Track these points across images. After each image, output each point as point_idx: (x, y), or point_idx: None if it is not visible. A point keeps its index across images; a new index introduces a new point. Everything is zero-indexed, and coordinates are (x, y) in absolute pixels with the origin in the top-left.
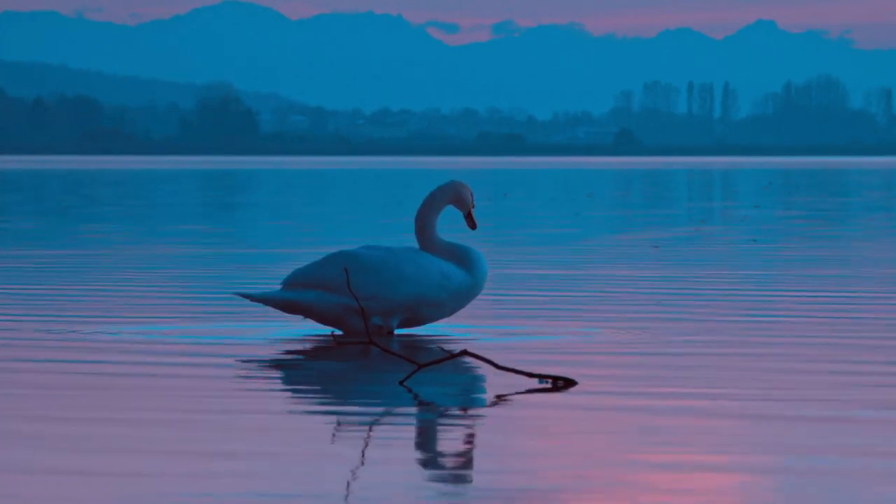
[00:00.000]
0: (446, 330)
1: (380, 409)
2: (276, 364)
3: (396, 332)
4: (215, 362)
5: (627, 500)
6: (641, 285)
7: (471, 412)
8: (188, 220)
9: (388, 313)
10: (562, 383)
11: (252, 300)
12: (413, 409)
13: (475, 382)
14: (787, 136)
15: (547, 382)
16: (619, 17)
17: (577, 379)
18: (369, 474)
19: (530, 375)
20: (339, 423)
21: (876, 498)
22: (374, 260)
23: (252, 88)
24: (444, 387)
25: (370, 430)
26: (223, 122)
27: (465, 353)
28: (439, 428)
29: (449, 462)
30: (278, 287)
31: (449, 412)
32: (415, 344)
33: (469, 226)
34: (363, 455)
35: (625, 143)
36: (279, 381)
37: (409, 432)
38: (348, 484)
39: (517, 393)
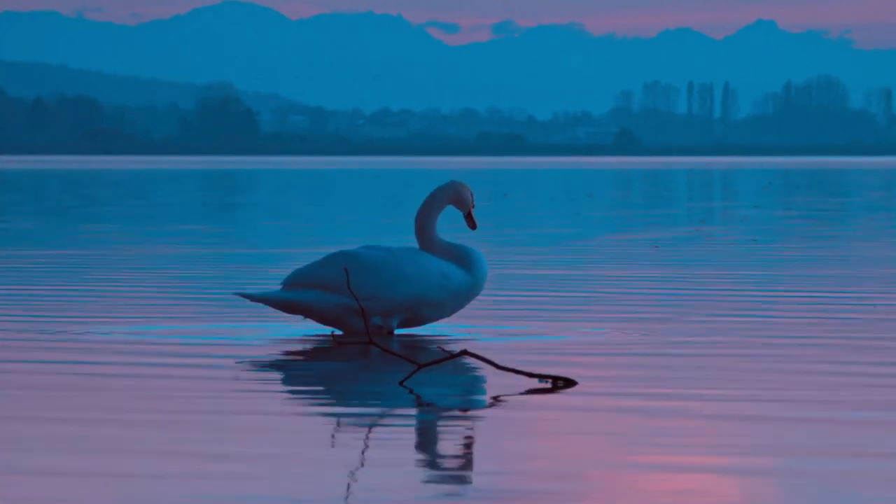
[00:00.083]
0: (446, 330)
1: (380, 409)
2: (275, 364)
3: (396, 332)
4: (215, 362)
5: (627, 500)
6: (641, 285)
7: (471, 412)
8: (188, 220)
9: (388, 313)
10: (562, 383)
11: (252, 300)
12: (413, 409)
13: (475, 382)
14: (787, 136)
15: (547, 382)
16: (619, 17)
17: (577, 379)
18: (369, 475)
19: (530, 375)
20: (338, 424)
21: (876, 500)
22: (374, 260)
23: (252, 88)
24: (444, 387)
25: (370, 430)
26: (223, 122)
27: (465, 353)
28: (439, 428)
29: (449, 462)
30: (278, 287)
31: (449, 412)
32: (415, 344)
33: (469, 226)
34: (363, 455)
35: (625, 143)
36: (279, 381)
37: (409, 432)
38: (348, 484)
39: (517, 393)
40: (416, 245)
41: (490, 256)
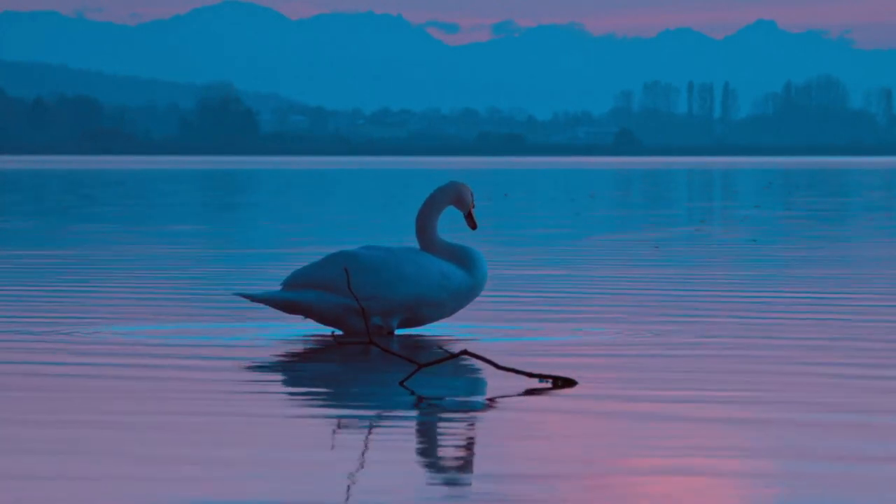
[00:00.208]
0: (447, 330)
1: (380, 410)
2: (275, 364)
3: (397, 332)
4: (215, 363)
5: (627, 500)
6: (641, 285)
7: (471, 412)
8: (188, 220)
9: (388, 313)
10: (562, 383)
11: (252, 300)
12: (413, 410)
13: (475, 382)
14: (787, 136)
15: (547, 382)
16: (619, 17)
17: (577, 379)
18: (369, 475)
19: (530, 375)
20: (339, 424)
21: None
22: (374, 260)
23: (252, 88)
24: (444, 387)
25: (370, 430)
26: (223, 122)
27: (465, 353)
28: (439, 428)
29: (449, 462)
30: (278, 287)
31: (449, 412)
32: (415, 344)
33: (469, 226)
34: (363, 456)
35: (625, 143)
36: (279, 381)
37: (410, 432)
38: (348, 485)
39: (517, 393)
40: (416, 245)
41: (490, 256)
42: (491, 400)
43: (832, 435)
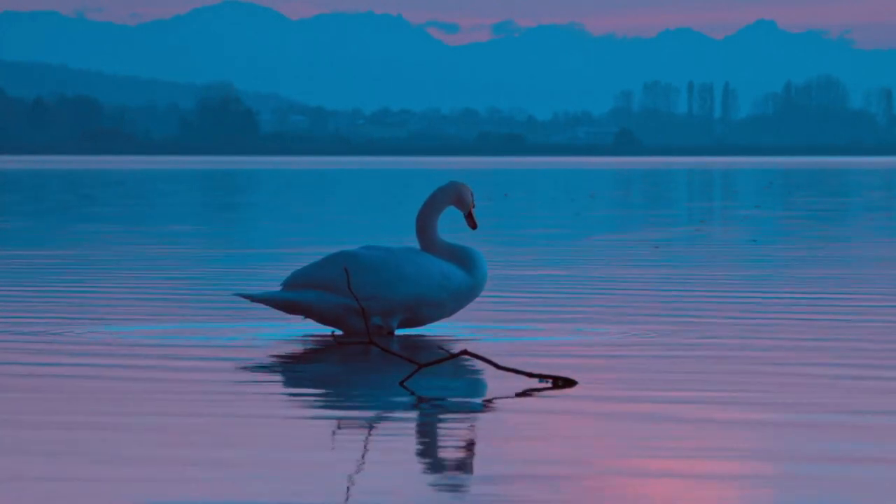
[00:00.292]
0: (447, 330)
1: (380, 410)
2: (275, 364)
3: (397, 332)
4: (215, 363)
5: (627, 500)
6: (641, 285)
7: (471, 412)
8: (188, 220)
9: (388, 313)
10: (562, 383)
11: (252, 300)
12: (413, 410)
13: (475, 382)
14: (787, 136)
15: (547, 382)
16: (619, 17)
17: (577, 379)
18: (369, 475)
19: (530, 375)
20: (339, 424)
21: None
22: (374, 260)
23: (252, 88)
24: (444, 387)
25: (370, 430)
26: (223, 122)
27: (465, 353)
28: (439, 428)
29: (449, 462)
30: (278, 287)
31: (449, 412)
32: (415, 344)
33: (469, 226)
34: (363, 456)
35: (625, 143)
36: (279, 381)
37: (410, 433)
38: (349, 485)
39: (517, 393)
40: (416, 245)
41: (490, 256)
42: (491, 400)
43: (832, 436)
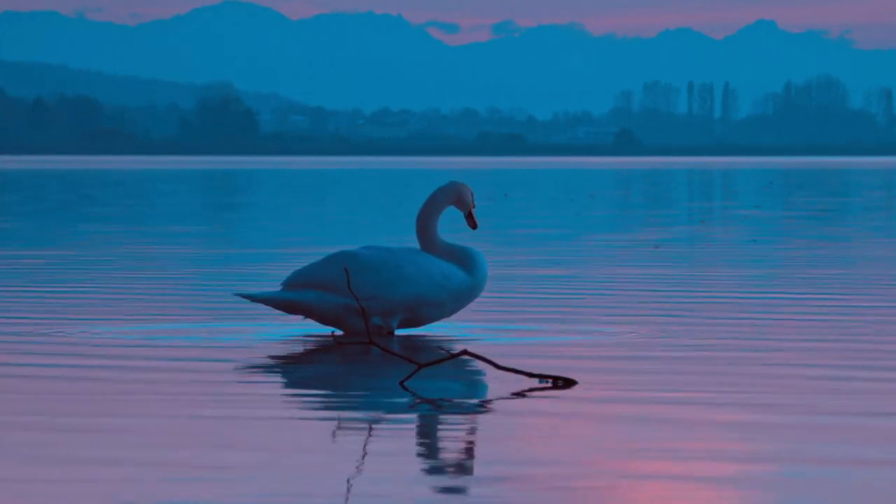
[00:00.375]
0: (447, 330)
1: (380, 409)
2: (275, 364)
3: (397, 332)
4: (215, 363)
5: (626, 499)
6: (641, 285)
7: (471, 412)
8: (188, 220)
9: (388, 313)
10: (562, 383)
11: (252, 300)
12: (413, 410)
13: (475, 382)
14: (787, 136)
15: (547, 382)
16: (619, 17)
17: (577, 379)
18: (369, 475)
19: (530, 375)
20: (339, 424)
21: None
22: (374, 260)
23: (252, 88)
24: (444, 387)
25: (370, 430)
26: (223, 122)
27: (465, 353)
28: (439, 428)
29: (449, 462)
30: (278, 287)
31: (449, 412)
32: (415, 344)
33: (470, 225)
34: (363, 456)
35: (625, 143)
36: (279, 381)
37: (410, 433)
38: (349, 485)
39: (517, 393)
40: (416, 245)
41: (490, 256)
42: (491, 400)
43: (833, 438)
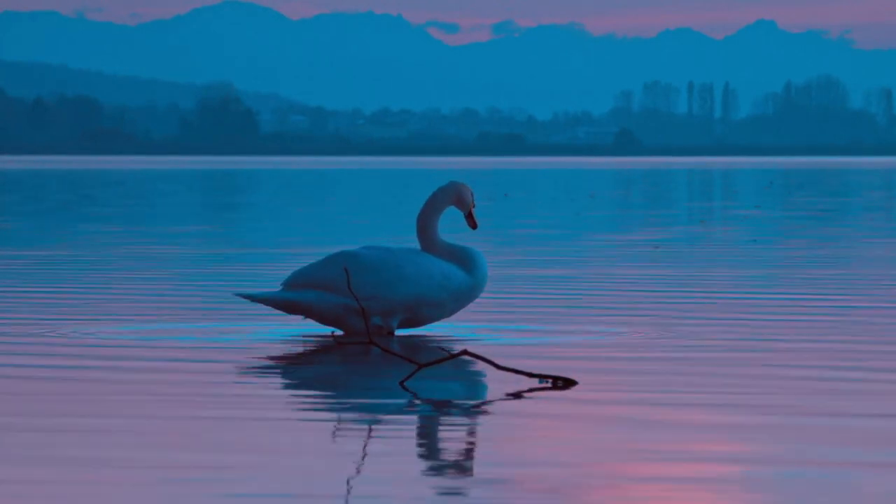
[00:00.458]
0: (447, 330)
1: (380, 410)
2: (275, 364)
3: (397, 332)
4: (214, 363)
5: (626, 500)
6: (641, 285)
7: (471, 412)
8: (188, 220)
9: (388, 313)
10: (562, 383)
11: (252, 300)
12: (413, 410)
13: (475, 382)
14: (787, 136)
15: (547, 382)
16: (619, 17)
17: (577, 379)
18: (369, 474)
19: (530, 375)
20: (339, 424)
21: None
22: (374, 260)
23: (252, 88)
24: (444, 387)
25: (370, 430)
26: (223, 122)
27: (465, 353)
28: (439, 428)
29: (449, 462)
30: (278, 287)
31: (449, 412)
32: (415, 344)
33: (470, 225)
34: (363, 455)
35: (625, 143)
36: (279, 381)
37: (410, 433)
38: (348, 485)
39: (517, 393)
40: (417, 245)
41: (490, 256)
42: (491, 400)
43: (832, 439)
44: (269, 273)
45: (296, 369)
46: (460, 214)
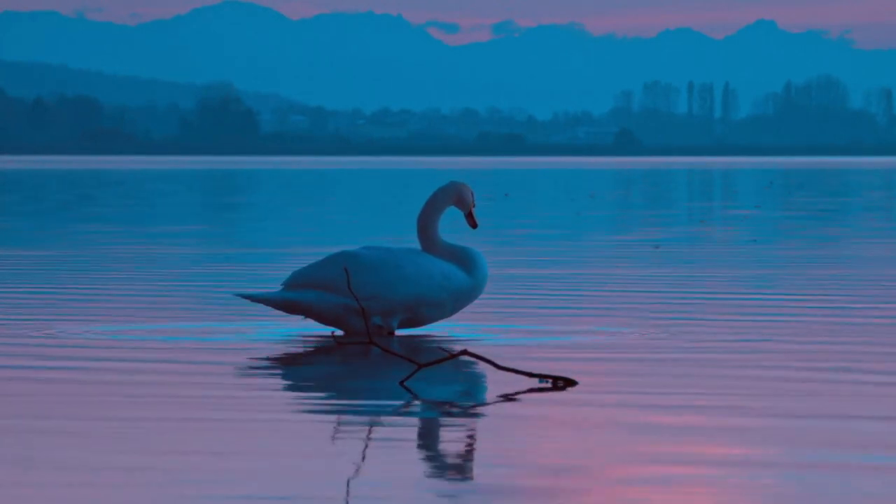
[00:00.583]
0: (447, 330)
1: (380, 410)
2: (276, 364)
3: (397, 332)
4: (215, 363)
5: (626, 500)
6: (641, 285)
7: (471, 412)
8: (188, 220)
9: (388, 313)
10: (562, 383)
11: (252, 300)
12: (413, 409)
13: (475, 382)
14: (787, 136)
15: (547, 382)
16: (619, 17)
17: (577, 379)
18: (370, 474)
19: (530, 375)
20: (339, 424)
21: None
22: (374, 260)
23: (252, 88)
24: (444, 387)
25: (370, 430)
26: (223, 122)
27: (465, 353)
28: (439, 428)
29: (449, 462)
30: (278, 287)
31: (449, 412)
32: (415, 344)
33: (470, 225)
34: (363, 455)
35: (625, 143)
36: (279, 381)
37: (410, 432)
38: (348, 484)
39: (517, 393)
40: (417, 246)
41: (490, 256)
42: (491, 400)
43: (832, 440)
44: (269, 273)
45: (296, 369)
46: (460, 214)
